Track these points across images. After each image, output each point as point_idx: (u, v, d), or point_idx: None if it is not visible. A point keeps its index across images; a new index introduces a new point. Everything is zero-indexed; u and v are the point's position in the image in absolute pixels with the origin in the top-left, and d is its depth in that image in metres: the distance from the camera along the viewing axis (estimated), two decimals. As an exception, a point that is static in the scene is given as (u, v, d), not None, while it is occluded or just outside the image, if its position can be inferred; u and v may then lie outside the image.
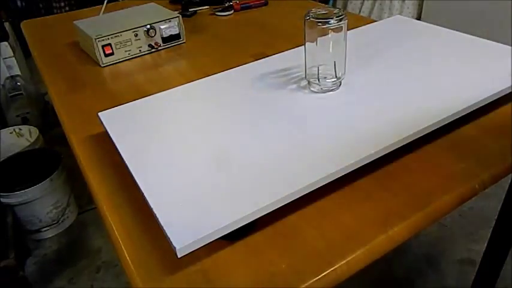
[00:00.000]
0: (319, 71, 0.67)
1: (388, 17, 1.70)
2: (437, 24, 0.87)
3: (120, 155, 0.57)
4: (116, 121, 0.64)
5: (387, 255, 0.47)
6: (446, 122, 0.59)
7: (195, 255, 0.45)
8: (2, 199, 1.47)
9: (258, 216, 0.46)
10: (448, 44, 0.79)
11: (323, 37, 0.63)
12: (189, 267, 0.45)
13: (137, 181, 0.51)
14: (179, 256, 0.42)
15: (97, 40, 0.92)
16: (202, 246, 0.43)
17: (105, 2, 1.17)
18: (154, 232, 0.49)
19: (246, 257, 0.46)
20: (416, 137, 0.57)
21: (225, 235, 0.44)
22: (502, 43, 0.77)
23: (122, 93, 0.83)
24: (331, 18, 0.61)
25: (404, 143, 0.56)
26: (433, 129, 0.58)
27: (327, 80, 0.67)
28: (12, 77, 2.24)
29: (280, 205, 0.47)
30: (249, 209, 0.45)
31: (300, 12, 1.13)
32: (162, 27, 0.99)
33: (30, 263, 1.54)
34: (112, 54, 0.95)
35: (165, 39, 1.01)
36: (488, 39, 0.78)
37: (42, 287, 1.45)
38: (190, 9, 1.24)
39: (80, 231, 1.66)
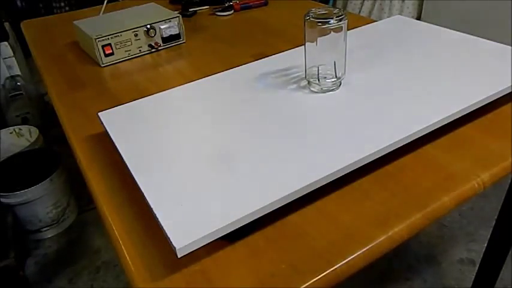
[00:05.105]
0: (319, 71, 0.67)
1: (388, 17, 1.70)
2: (437, 24, 0.87)
3: (120, 155, 0.57)
4: (116, 121, 0.64)
5: (387, 254, 0.47)
6: (446, 122, 0.59)
7: (195, 255, 0.45)
8: (2, 199, 1.47)
9: (258, 216, 0.46)
10: (448, 44, 0.79)
11: (323, 37, 0.63)
12: (189, 267, 0.45)
13: (137, 181, 0.51)
14: (179, 256, 0.42)
15: (97, 40, 0.92)
16: (202, 246, 0.43)
17: (105, 2, 1.17)
18: (154, 232, 0.49)
19: (246, 257, 0.46)
20: (417, 137, 0.57)
21: (225, 235, 0.44)
22: (502, 43, 0.77)
23: (122, 93, 0.83)
24: (331, 18, 0.61)
25: (405, 143, 0.56)
26: (433, 129, 0.58)
27: (327, 80, 0.67)
28: (12, 77, 2.24)
29: (280, 205, 0.47)
30: (249, 209, 0.45)
31: (300, 12, 1.13)
32: (162, 27, 1.00)
33: (30, 263, 1.54)
34: (112, 54, 0.95)
35: (165, 39, 1.01)
36: (488, 39, 0.78)
37: (42, 287, 1.45)
38: (190, 9, 1.24)
39: (80, 231, 1.66)
